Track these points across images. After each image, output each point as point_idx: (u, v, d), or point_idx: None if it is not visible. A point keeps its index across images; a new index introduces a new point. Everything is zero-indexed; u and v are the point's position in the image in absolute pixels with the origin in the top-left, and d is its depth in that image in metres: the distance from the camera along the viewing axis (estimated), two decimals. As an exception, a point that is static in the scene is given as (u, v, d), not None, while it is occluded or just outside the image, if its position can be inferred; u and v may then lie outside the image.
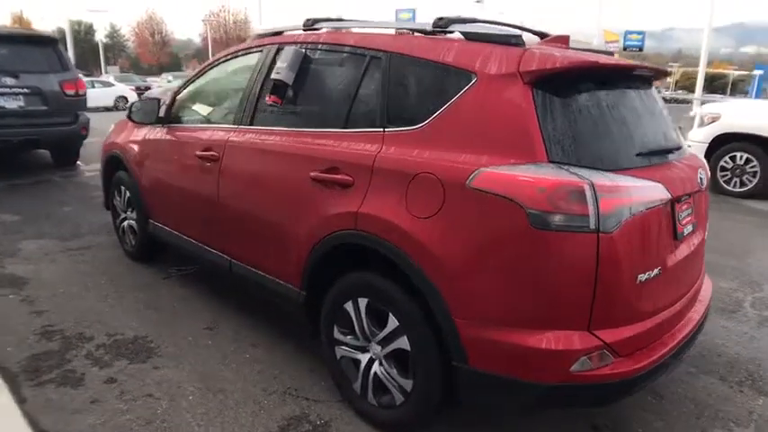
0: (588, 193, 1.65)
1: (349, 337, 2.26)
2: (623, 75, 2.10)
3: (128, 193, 3.87)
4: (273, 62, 2.65)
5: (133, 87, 24.30)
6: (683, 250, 2.09)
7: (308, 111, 2.48)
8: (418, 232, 1.87)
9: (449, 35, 2.12)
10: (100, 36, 55.02)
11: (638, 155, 1.92)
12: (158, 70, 56.63)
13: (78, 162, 7.72)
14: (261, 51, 2.79)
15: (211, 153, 2.83)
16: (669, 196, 1.90)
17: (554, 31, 2.26)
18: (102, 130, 7.42)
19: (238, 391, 2.46)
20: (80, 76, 6.97)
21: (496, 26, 2.16)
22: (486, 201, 1.73)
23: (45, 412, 2.26)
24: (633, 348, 1.81)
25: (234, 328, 3.06)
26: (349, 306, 2.22)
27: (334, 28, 2.58)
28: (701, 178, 2.20)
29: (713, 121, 7.06)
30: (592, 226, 1.66)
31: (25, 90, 6.04)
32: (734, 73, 72.57)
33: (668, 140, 2.18)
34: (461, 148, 1.85)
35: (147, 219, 3.67)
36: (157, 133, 3.42)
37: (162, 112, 3.36)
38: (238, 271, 2.84)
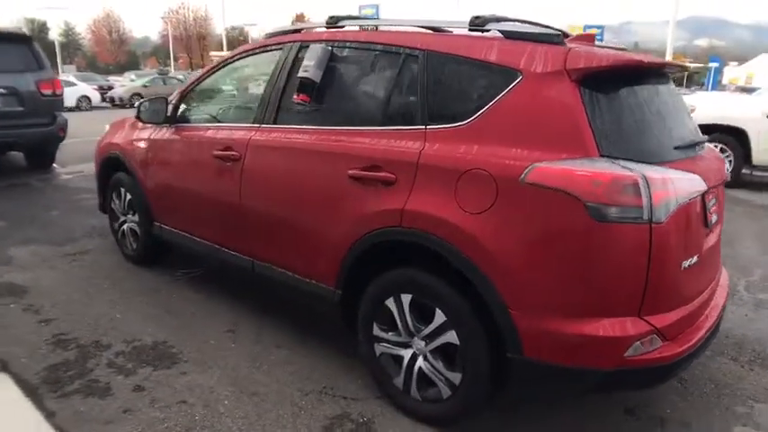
0: (642, 186, 1.71)
1: (390, 333, 2.27)
2: (654, 72, 2.18)
3: (129, 196, 3.75)
4: (297, 60, 2.62)
5: (96, 87, 23.45)
6: (712, 238, 2.18)
7: (339, 109, 2.46)
8: (471, 227, 1.89)
9: (487, 33, 2.15)
10: (54, 34, 52.79)
11: (675, 148, 2.00)
12: (117, 69, 54.82)
13: (54, 165, 7.41)
14: (281, 49, 2.75)
15: (231, 153, 2.78)
16: (706, 187, 1.98)
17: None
18: (70, 132, 7.17)
19: (273, 393, 2.43)
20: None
21: (531, 25, 2.20)
22: (542, 195, 1.77)
23: (77, 425, 2.18)
24: (677, 332, 1.89)
25: (255, 329, 3.01)
26: (390, 303, 2.22)
27: (360, 26, 2.57)
28: (723, 170, 2.31)
29: (690, 113, 7.36)
30: (645, 217, 1.72)
31: (1, 90, 5.75)
32: (690, 65, 75.54)
33: (695, 134, 2.27)
34: (510, 145, 1.88)
35: (152, 221, 3.57)
36: (165, 133, 3.33)
37: (169, 112, 3.27)
38: (262, 272, 2.80)
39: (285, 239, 2.61)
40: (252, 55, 3.00)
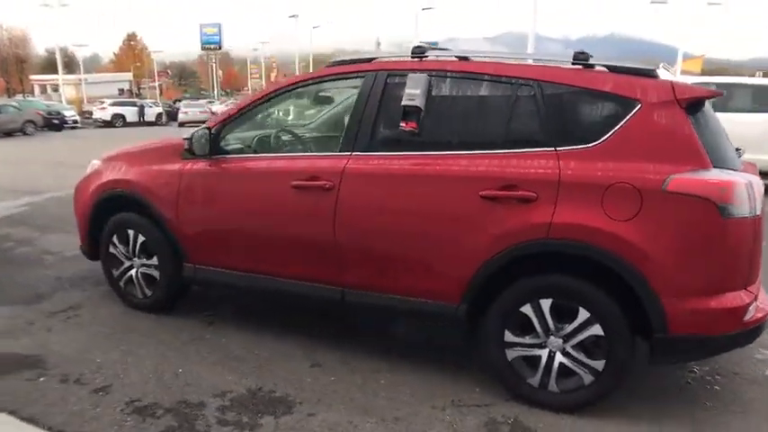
0: (749, 189, 2.22)
1: (527, 337, 2.49)
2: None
3: (141, 238, 3.35)
4: (387, 88, 2.70)
5: None
6: None
7: (451, 134, 2.60)
8: (622, 232, 2.23)
9: (593, 68, 2.51)
10: None
11: (739, 158, 2.58)
12: None
13: None
14: (362, 77, 2.80)
15: (321, 182, 2.73)
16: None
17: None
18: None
19: (413, 415, 2.47)
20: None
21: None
22: (681, 200, 2.18)
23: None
24: (760, 300, 2.45)
25: (338, 360, 2.96)
26: (527, 309, 2.45)
27: (454, 56, 2.76)
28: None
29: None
30: (751, 212, 2.23)
31: None
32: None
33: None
34: (642, 161, 2.26)
35: (183, 262, 3.25)
36: (207, 166, 3.07)
37: (210, 144, 3.04)
38: (356, 300, 2.79)
39: (397, 264, 2.66)
40: (316, 83, 2.97)
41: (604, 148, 2.33)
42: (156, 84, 52.76)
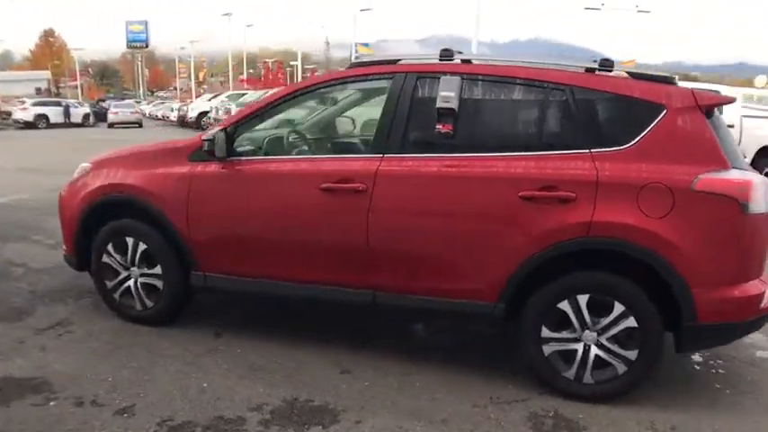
0: (765, 187, 2.44)
1: (564, 332, 2.58)
2: None
3: (143, 246, 3.13)
4: (417, 89, 2.71)
5: None
6: None
7: (485, 136, 2.65)
8: (657, 230, 2.36)
9: (614, 73, 2.65)
10: None
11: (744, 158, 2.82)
12: None
13: None
14: (389, 79, 2.78)
15: (354, 185, 2.68)
16: None
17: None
18: None
19: (457, 415, 2.49)
20: None
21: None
22: (708, 198, 2.36)
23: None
24: None
25: (369, 364, 2.90)
26: (565, 305, 2.54)
27: (481, 60, 2.81)
28: None
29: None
30: (766, 208, 2.45)
31: None
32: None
33: None
34: (670, 162, 2.42)
35: (190, 270, 3.07)
36: (222, 169, 2.93)
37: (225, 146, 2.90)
38: (388, 302, 2.77)
39: (433, 265, 2.66)
40: (338, 84, 2.92)
41: (635, 150, 2.46)
42: (78, 83, 49.34)
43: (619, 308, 2.49)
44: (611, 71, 2.65)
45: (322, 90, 2.98)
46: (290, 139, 3.11)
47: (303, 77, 30.54)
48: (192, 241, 3.01)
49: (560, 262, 2.52)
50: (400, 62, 2.88)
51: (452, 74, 2.68)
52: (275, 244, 2.90)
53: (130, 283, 3.23)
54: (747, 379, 2.90)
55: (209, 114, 21.81)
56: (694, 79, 28.95)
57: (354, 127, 3.40)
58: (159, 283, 3.17)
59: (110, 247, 3.21)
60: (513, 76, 2.66)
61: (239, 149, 3.01)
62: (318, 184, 2.74)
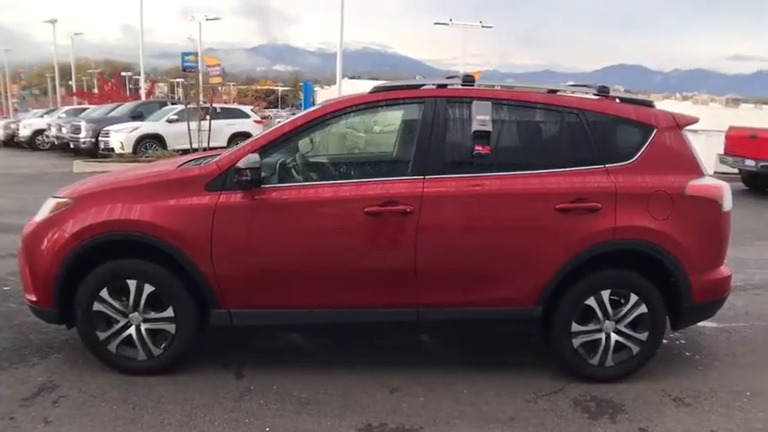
0: (729, 190, 3.07)
1: (590, 324, 2.94)
2: None
3: (149, 288, 2.78)
4: (447, 114, 2.86)
5: None
6: None
7: (516, 156, 2.91)
8: (664, 229, 2.85)
9: (610, 98, 3.08)
10: None
11: None
12: None
13: None
14: (420, 103, 2.89)
15: (401, 207, 2.73)
16: None
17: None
18: None
19: (522, 411, 2.70)
20: None
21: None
22: (697, 201, 2.91)
23: None
24: None
25: (407, 380, 2.97)
26: (591, 301, 2.91)
27: (502, 86, 3.05)
28: None
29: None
30: (730, 207, 3.08)
31: None
32: (280, 89, 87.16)
33: None
34: (665, 173, 2.92)
35: (209, 309, 2.82)
36: (250, 197, 2.73)
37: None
38: (431, 317, 2.89)
39: (477, 279, 2.84)
40: (370, 108, 2.94)
41: (638, 164, 2.93)
42: None
43: (633, 298, 2.93)
44: (607, 96, 3.09)
45: (352, 114, 2.95)
46: (324, 163, 3.01)
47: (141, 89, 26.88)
48: (217, 278, 2.77)
49: (588, 265, 2.88)
50: (423, 87, 3.00)
51: (483, 99, 2.88)
52: (318, 272, 2.81)
53: (131, 330, 2.85)
54: (709, 343, 3.60)
55: (45, 132, 18.78)
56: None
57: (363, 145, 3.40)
58: (170, 327, 2.85)
59: (104, 293, 2.79)
60: (533, 102, 2.96)
61: (282, 176, 2.90)
62: (363, 207, 2.74)
